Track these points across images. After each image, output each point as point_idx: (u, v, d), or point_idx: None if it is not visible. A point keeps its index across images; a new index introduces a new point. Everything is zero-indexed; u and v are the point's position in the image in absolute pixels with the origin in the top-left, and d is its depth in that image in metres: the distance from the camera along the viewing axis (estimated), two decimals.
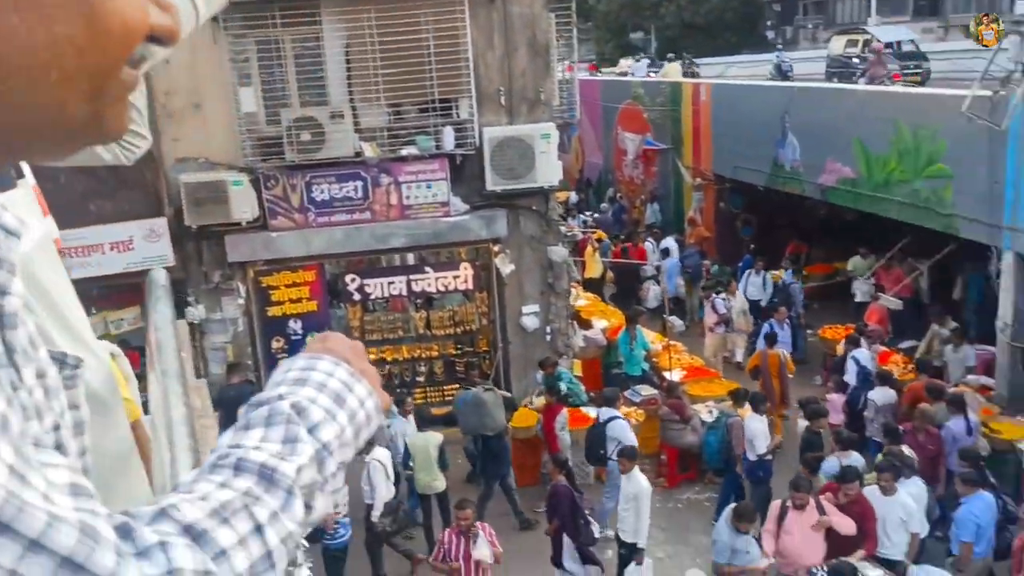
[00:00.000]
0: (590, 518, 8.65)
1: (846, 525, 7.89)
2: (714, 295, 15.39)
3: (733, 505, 8.16)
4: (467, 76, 11.62)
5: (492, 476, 10.53)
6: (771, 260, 18.70)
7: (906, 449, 9.10)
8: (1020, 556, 7.34)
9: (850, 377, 11.89)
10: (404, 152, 11.75)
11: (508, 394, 11.61)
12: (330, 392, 0.88)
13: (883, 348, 12.98)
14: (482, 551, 7.89)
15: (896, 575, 7.81)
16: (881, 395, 10.87)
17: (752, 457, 10.01)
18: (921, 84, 17.60)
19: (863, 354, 12.03)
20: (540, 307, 12.66)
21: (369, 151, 11.60)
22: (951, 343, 12.48)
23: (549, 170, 11.80)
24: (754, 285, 16.44)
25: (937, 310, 13.68)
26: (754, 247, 18.87)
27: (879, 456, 9.10)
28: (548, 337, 12.77)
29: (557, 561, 8.66)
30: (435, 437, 10.10)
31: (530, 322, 12.63)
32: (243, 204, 11.23)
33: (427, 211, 12.00)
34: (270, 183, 11.57)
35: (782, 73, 18.76)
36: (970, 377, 11.52)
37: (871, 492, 8.24)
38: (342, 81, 11.59)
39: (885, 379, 11.11)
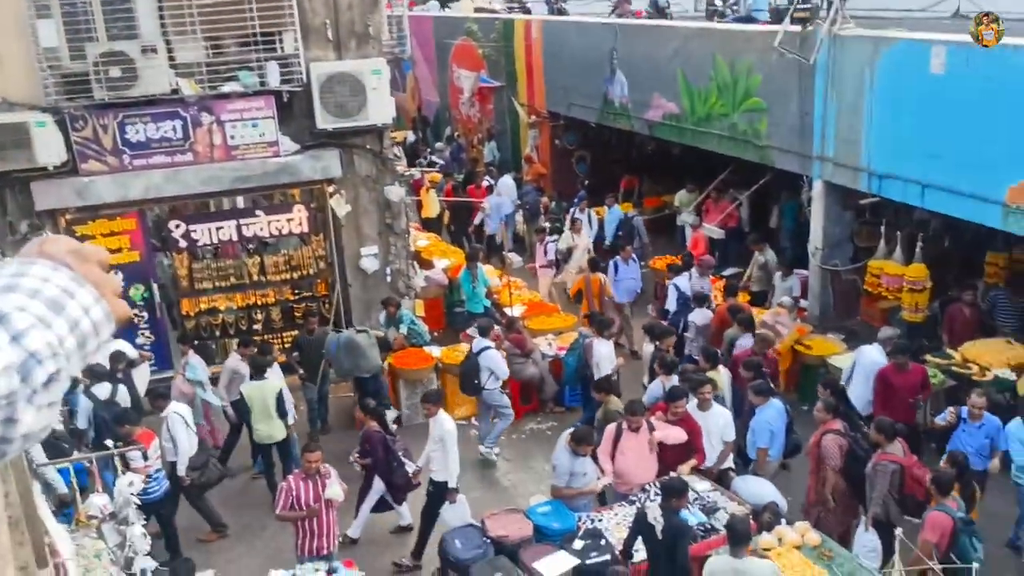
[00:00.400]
0: (404, 459, 8.64)
1: (674, 435, 8.34)
2: (547, 238, 15.57)
3: (571, 429, 8.41)
4: (290, 8, 11.10)
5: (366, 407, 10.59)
6: (601, 196, 19.23)
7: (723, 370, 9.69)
8: (815, 451, 8.02)
9: (670, 303, 12.57)
10: (226, 89, 11.14)
11: (381, 334, 11.52)
12: (45, 299, 0.79)
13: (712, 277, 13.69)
14: (335, 490, 7.87)
15: (723, 485, 8.34)
16: (700, 316, 11.56)
17: (598, 377, 10.38)
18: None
19: (682, 281, 12.66)
20: (379, 248, 12.50)
21: (187, 88, 10.93)
22: (780, 271, 13.18)
23: (382, 107, 11.52)
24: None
25: (755, 237, 14.44)
26: (588, 183, 19.29)
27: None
28: (388, 278, 12.66)
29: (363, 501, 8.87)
30: (271, 385, 9.86)
31: (369, 264, 12.46)
32: (49, 147, 10.36)
33: (255, 151, 11.49)
34: (78, 124, 10.70)
35: (659, 10, 18.77)
36: (784, 299, 12.30)
37: (691, 409, 8.68)
38: (153, 12, 10.79)
39: (701, 301, 11.79)
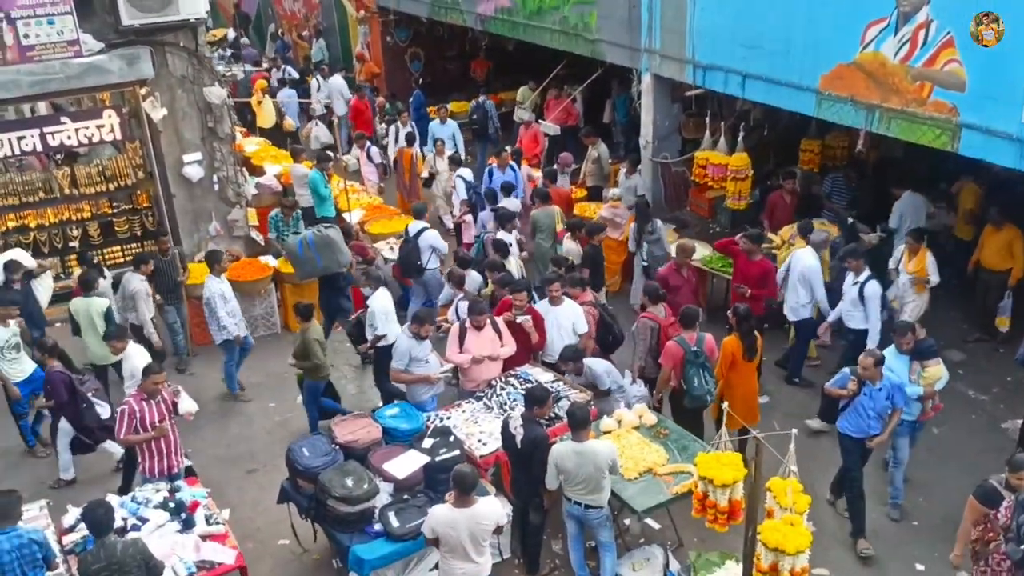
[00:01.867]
0: (93, 399, 8.25)
1: (508, 339, 8.49)
2: (368, 143, 15.06)
3: (415, 311, 8.38)
4: None
5: (337, 311, 10.45)
6: (442, 95, 18.86)
7: None
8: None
9: (459, 193, 13.08)
10: None
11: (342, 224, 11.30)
12: None
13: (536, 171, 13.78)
14: (190, 402, 7.65)
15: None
16: (512, 204, 11.95)
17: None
18: None
19: (466, 172, 13.37)
20: (203, 155, 11.83)
21: None
22: (624, 170, 13.27)
23: (192, 1, 10.62)
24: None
25: (587, 131, 14.58)
26: (423, 81, 18.80)
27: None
28: (216, 187, 12.03)
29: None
30: (99, 302, 9.29)
31: (193, 172, 11.76)
32: None
33: (53, 52, 10.42)
34: None
35: None
36: (614, 191, 12.53)
37: (543, 304, 8.87)
38: None
39: (508, 190, 12.25)
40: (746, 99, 11.33)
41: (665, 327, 8.49)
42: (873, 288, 8.85)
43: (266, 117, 17.53)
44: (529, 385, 8.06)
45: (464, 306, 8.95)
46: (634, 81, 13.32)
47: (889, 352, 7.50)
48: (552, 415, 7.54)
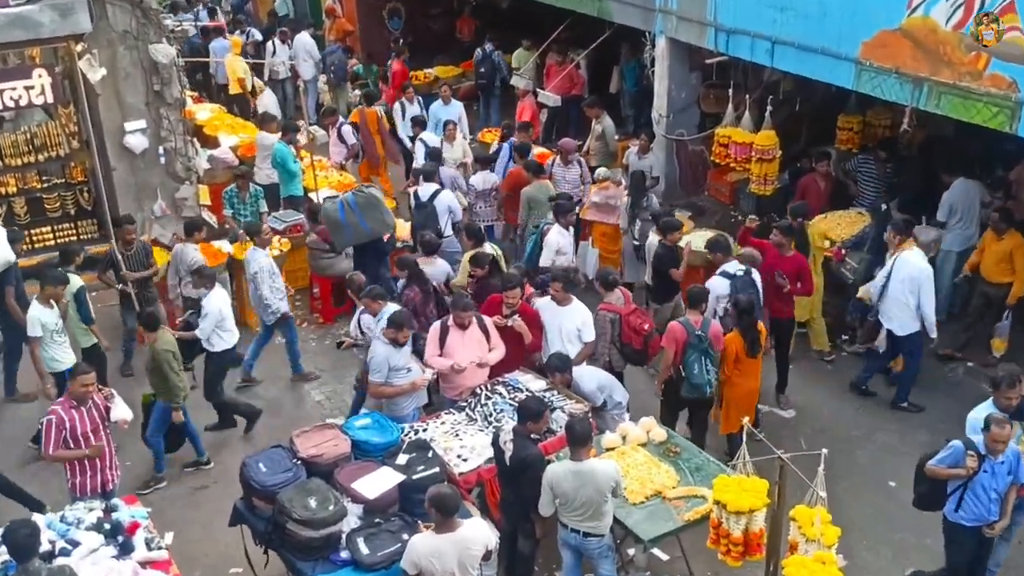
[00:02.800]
0: None
1: (496, 341, 8.50)
2: (342, 119, 14.94)
3: (389, 315, 8.38)
4: None
5: (376, 281, 9.82)
6: (425, 57, 18.83)
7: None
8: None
9: (418, 158, 13.41)
10: None
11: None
12: None
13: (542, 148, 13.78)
14: (124, 409, 7.67)
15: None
16: (481, 179, 12.27)
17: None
18: None
19: (429, 136, 13.62)
20: (148, 122, 11.81)
21: None
22: (636, 148, 13.23)
23: None
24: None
25: (590, 101, 14.56)
26: (403, 41, 18.76)
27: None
28: (162, 159, 12.01)
29: None
30: (73, 280, 9.39)
31: (136, 141, 11.74)
32: None
33: None
34: None
35: None
36: (602, 170, 12.41)
37: (544, 303, 8.86)
38: None
39: (486, 163, 12.50)
40: (775, 68, 11.34)
41: (626, 316, 8.68)
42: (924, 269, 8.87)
43: (233, 79, 17.32)
44: (519, 394, 8.07)
45: (367, 320, 8.80)
46: (647, 46, 13.31)
47: (981, 409, 7.00)
48: (545, 428, 7.55)
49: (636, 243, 11.07)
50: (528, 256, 10.92)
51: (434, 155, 12.34)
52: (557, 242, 10.27)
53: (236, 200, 11.93)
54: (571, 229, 10.57)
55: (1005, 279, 9.84)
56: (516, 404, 7.68)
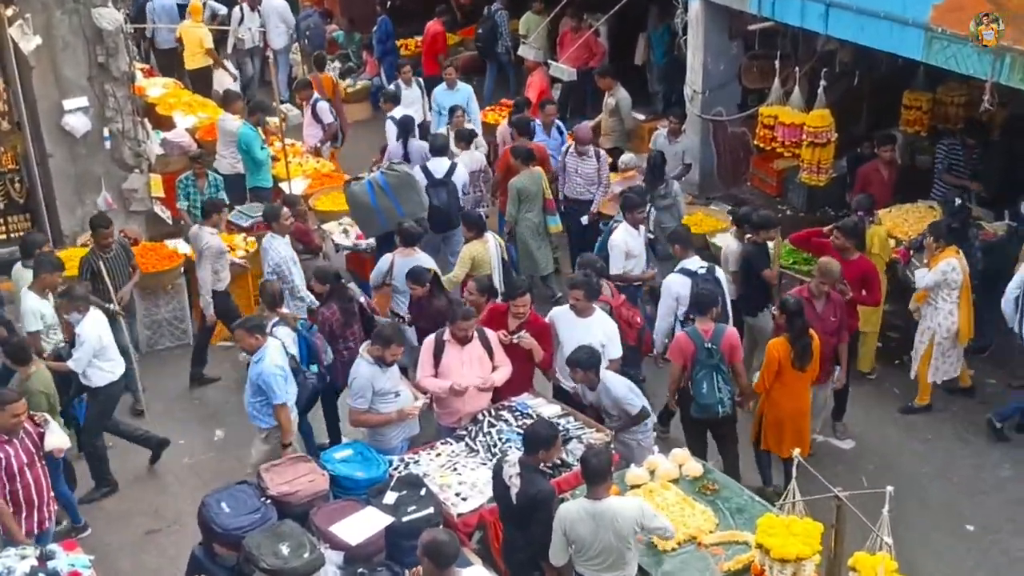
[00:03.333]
0: None
1: (501, 358, 8.51)
2: (316, 96, 14.85)
3: (376, 328, 8.40)
4: None
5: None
6: (415, 22, 18.86)
7: None
8: None
9: (389, 137, 13.41)
10: None
11: None
12: None
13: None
14: (59, 437, 7.73)
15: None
16: (468, 159, 12.30)
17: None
18: None
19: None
20: (90, 100, 11.84)
21: None
22: (666, 131, 13.20)
23: None
24: None
25: (603, 69, 14.57)
26: (389, 4, 18.81)
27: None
28: (107, 143, 12.06)
29: None
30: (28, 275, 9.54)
31: (77, 122, 11.80)
32: None
33: None
34: None
35: None
36: (627, 157, 12.48)
37: (562, 313, 8.87)
38: None
39: (468, 140, 12.63)
40: (830, 36, 11.35)
41: (616, 307, 8.92)
42: None
43: (196, 54, 17.32)
44: (527, 421, 8.08)
45: (283, 331, 8.76)
46: (678, 9, 13.33)
47: None
48: (558, 461, 7.56)
49: (651, 235, 11.02)
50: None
51: (441, 148, 12.12)
52: (625, 243, 10.13)
53: (192, 190, 11.95)
54: (640, 228, 10.39)
55: None
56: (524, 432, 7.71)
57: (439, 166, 11.58)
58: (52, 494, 7.79)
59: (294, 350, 8.76)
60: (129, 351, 10.08)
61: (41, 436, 7.62)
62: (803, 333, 8.37)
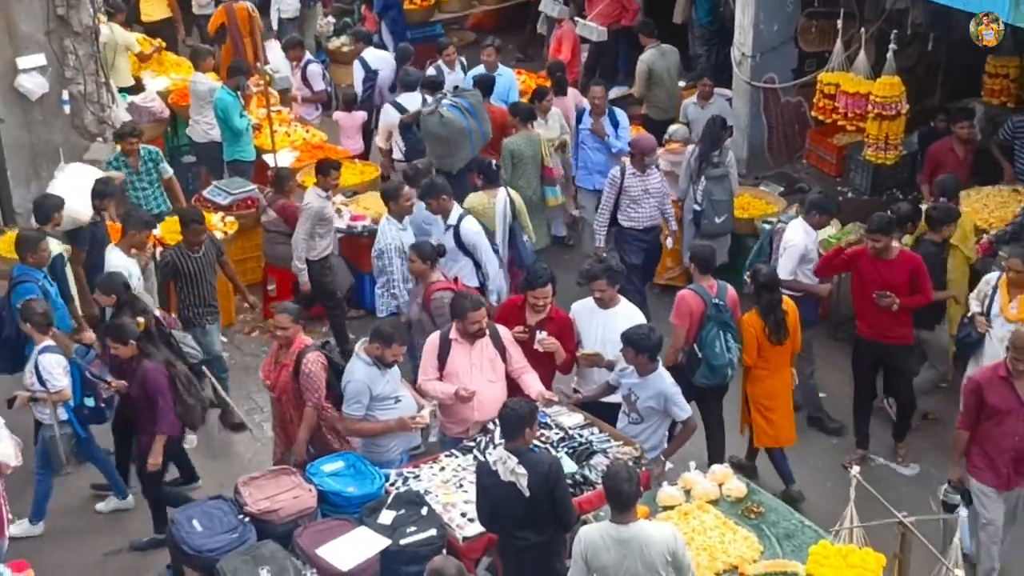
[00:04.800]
0: None
1: (520, 361, 8.56)
2: (309, 56, 15.07)
3: (376, 325, 8.46)
4: None
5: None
6: None
7: None
8: None
9: (356, 84, 14.41)
10: None
11: None
12: None
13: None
14: (5, 448, 7.83)
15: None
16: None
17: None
18: None
19: (370, 55, 14.46)
20: (48, 59, 11.91)
21: None
22: (694, 96, 13.30)
23: None
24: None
25: (642, 25, 14.61)
26: None
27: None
28: (67, 107, 12.13)
29: None
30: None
31: (32, 83, 11.87)
32: None
33: None
34: None
35: None
36: (675, 128, 12.47)
37: (581, 306, 8.97)
38: None
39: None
40: None
41: None
42: None
43: (154, 5, 17.41)
44: (548, 432, 8.13)
45: (52, 358, 8.60)
46: None
47: None
48: (580, 478, 7.58)
49: (697, 207, 11.19)
50: (750, 263, 10.51)
51: (412, 84, 12.97)
52: (803, 244, 9.92)
53: (125, 169, 11.81)
54: (815, 233, 10.21)
55: None
56: (547, 444, 7.74)
57: (412, 102, 12.41)
58: (6, 512, 7.84)
59: (66, 381, 8.60)
60: (221, 358, 10.39)
61: None
62: (774, 306, 8.81)
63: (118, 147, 12.04)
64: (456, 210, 10.24)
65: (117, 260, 9.65)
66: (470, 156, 11.74)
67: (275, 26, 17.21)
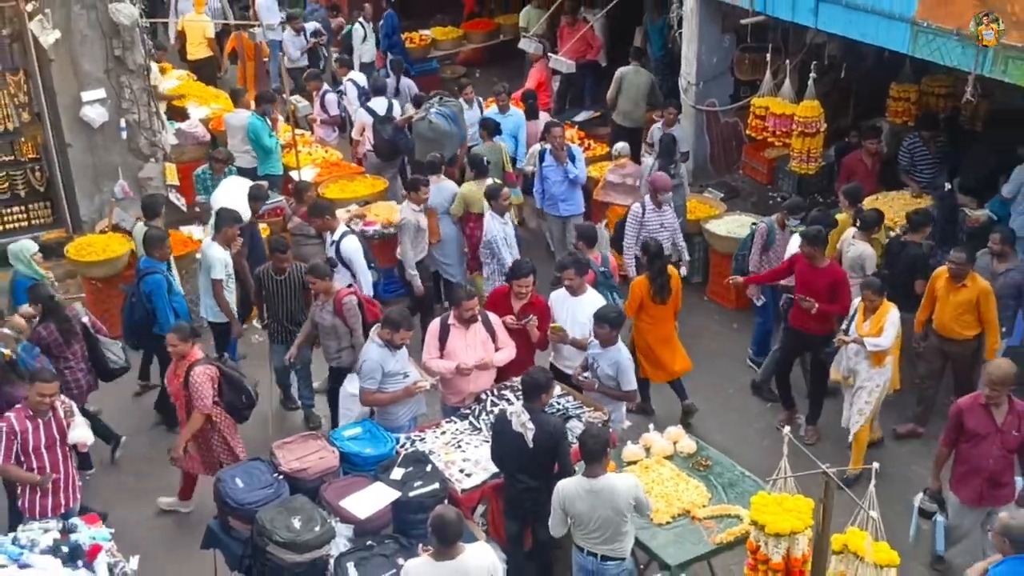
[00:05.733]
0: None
1: (504, 340, 8.57)
2: (326, 86, 14.96)
3: (387, 312, 8.42)
4: None
5: None
6: (422, 16, 18.81)
7: None
8: None
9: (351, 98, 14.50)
10: None
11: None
12: None
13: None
14: (82, 432, 7.71)
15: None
16: None
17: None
18: None
19: (358, 76, 14.88)
20: (108, 92, 11.84)
21: None
22: (661, 121, 13.13)
23: None
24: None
25: (635, 52, 14.53)
26: None
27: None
28: (124, 134, 12.05)
29: None
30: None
31: (95, 114, 11.78)
32: None
33: None
34: None
35: None
36: (619, 145, 12.48)
37: (557, 294, 8.99)
38: None
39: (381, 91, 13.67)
40: (819, 30, 11.33)
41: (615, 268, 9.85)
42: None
43: (198, 44, 17.32)
44: None
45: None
46: (673, 3, 13.29)
47: None
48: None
49: None
50: (736, 256, 10.59)
51: (380, 89, 13.78)
52: (861, 253, 9.66)
53: (210, 182, 11.90)
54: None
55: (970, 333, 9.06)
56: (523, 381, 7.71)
57: (380, 105, 13.04)
58: (78, 481, 7.81)
59: None
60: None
61: (69, 423, 7.62)
62: (662, 272, 9.24)
63: (207, 164, 12.15)
64: (341, 228, 10.20)
65: (215, 253, 9.74)
66: (451, 154, 12.27)
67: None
